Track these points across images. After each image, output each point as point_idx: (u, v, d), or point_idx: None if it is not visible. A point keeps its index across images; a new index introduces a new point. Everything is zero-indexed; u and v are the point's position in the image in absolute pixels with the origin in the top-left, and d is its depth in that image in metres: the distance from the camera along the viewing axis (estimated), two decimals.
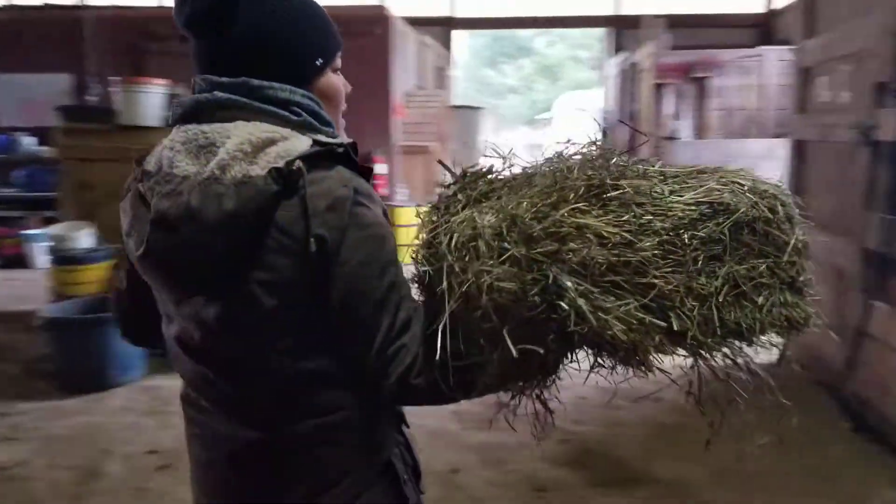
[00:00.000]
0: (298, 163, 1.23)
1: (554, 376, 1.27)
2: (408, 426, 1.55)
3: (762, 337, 1.28)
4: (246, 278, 1.25)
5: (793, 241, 1.30)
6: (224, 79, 1.32)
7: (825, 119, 5.22)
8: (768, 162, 8.23)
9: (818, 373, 5.17)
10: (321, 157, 1.27)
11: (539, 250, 1.16)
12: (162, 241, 1.26)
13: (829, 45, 5.19)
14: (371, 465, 1.42)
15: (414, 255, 1.33)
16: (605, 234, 1.18)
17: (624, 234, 1.19)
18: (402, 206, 9.53)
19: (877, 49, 4.41)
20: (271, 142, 1.26)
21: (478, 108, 14.96)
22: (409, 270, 1.36)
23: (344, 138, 1.37)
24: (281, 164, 1.22)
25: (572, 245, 1.16)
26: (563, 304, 1.13)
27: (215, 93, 1.31)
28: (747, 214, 1.27)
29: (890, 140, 4.32)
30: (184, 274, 1.29)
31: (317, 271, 1.25)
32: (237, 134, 1.26)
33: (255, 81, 1.31)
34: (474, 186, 1.37)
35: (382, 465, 1.43)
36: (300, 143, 1.27)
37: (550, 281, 1.14)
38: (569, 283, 1.14)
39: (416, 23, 12.18)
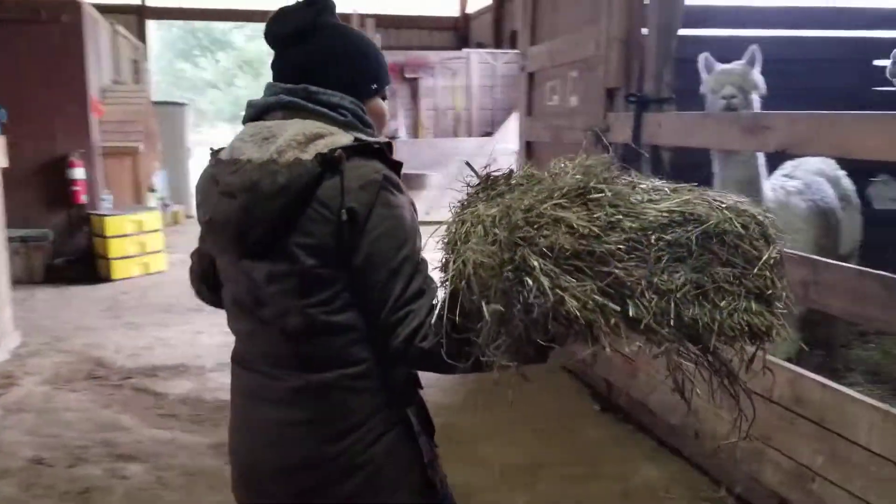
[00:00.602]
0: (340, 151, 1.53)
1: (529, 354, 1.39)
2: (421, 387, 1.76)
3: (721, 340, 1.39)
4: (289, 241, 1.54)
5: (765, 257, 1.44)
6: (288, 84, 1.65)
7: (556, 122, 5.52)
8: (481, 159, 8.58)
9: (566, 359, 5.48)
10: (360, 150, 1.57)
11: (518, 235, 1.36)
12: (224, 207, 1.57)
13: (557, 51, 5.50)
14: (389, 415, 1.64)
15: (438, 243, 1.52)
16: (574, 225, 1.36)
17: (593, 227, 1.37)
18: (108, 216, 8.53)
19: (606, 56, 4.73)
20: (319, 136, 1.56)
21: (181, 104, 13.98)
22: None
23: (381, 139, 1.64)
24: (325, 151, 1.52)
25: (545, 232, 1.36)
26: (528, 279, 1.32)
27: (280, 96, 1.64)
28: (717, 226, 1.41)
29: (621, 142, 4.66)
30: (235, 233, 1.57)
31: (347, 238, 1.53)
32: (293, 128, 1.57)
33: (313, 87, 1.63)
34: (494, 187, 1.59)
35: (399, 416, 1.66)
36: (344, 138, 1.58)
37: (518, 258, 1.34)
38: (535, 263, 1.33)
39: (105, 10, 11.02)
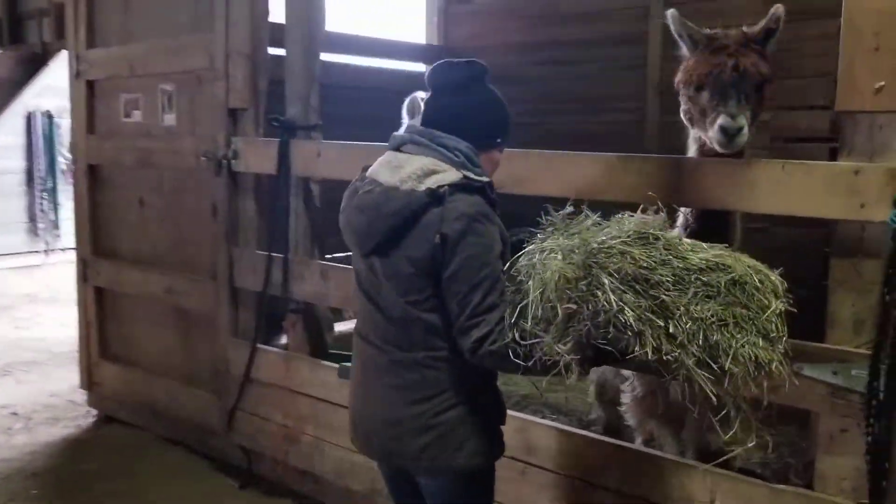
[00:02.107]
0: (445, 188, 2.05)
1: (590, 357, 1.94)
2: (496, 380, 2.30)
3: (733, 362, 1.84)
4: (399, 252, 2.10)
5: (773, 307, 1.92)
6: (420, 127, 2.20)
7: (143, 143, 4.55)
8: None
9: (179, 434, 4.57)
10: (464, 187, 2.08)
11: (592, 259, 1.87)
12: (355, 218, 2.17)
13: (138, 59, 4.52)
14: (461, 392, 2.14)
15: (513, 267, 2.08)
16: (636, 257, 1.86)
17: (650, 261, 1.87)
18: None
19: (226, 71, 4.02)
20: (434, 172, 2.09)
21: None
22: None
23: (483, 178, 2.14)
24: (434, 185, 2.05)
25: (614, 260, 1.85)
26: (598, 291, 1.82)
27: (413, 135, 2.19)
28: (741, 277, 1.91)
29: (256, 171, 4.02)
30: (359, 239, 2.18)
31: (440, 256, 2.04)
32: (416, 163, 2.12)
33: (437, 132, 2.15)
34: (566, 227, 2.11)
35: (469, 395, 2.16)
36: (453, 175, 2.09)
37: (593, 275, 1.84)
38: (605, 280, 1.82)
39: None
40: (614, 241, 1.88)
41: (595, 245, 1.88)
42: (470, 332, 2.01)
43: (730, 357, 1.81)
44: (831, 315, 2.42)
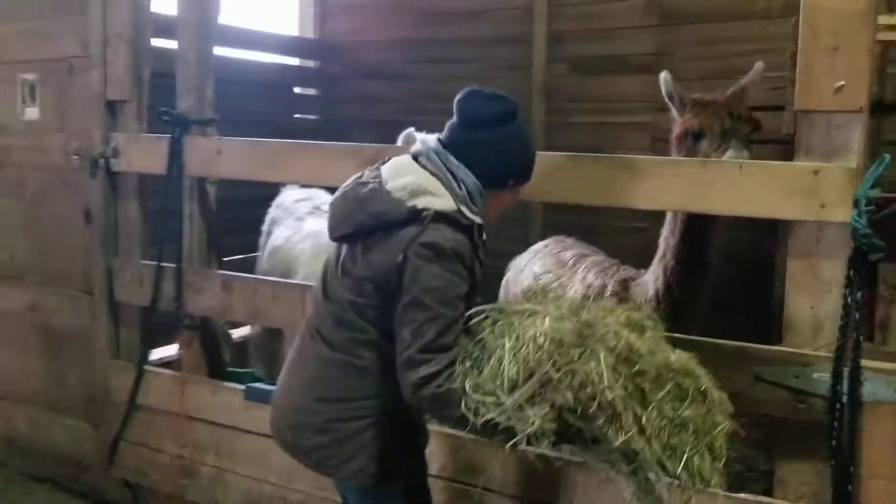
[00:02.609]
0: (432, 212, 2.02)
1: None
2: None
3: (683, 472, 1.84)
4: (363, 251, 2.09)
5: (723, 425, 1.94)
6: (438, 147, 2.14)
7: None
8: None
9: (46, 470, 4.02)
10: (453, 220, 2.04)
11: (588, 331, 1.90)
12: (339, 201, 2.18)
13: None
14: (374, 408, 2.15)
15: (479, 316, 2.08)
16: (630, 341, 1.91)
17: (640, 347, 1.92)
18: None
19: (104, 59, 3.57)
20: (427, 192, 2.05)
21: None
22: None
23: (476, 218, 2.10)
24: (421, 207, 2.03)
25: (609, 337, 1.89)
26: (592, 363, 1.83)
27: (429, 149, 2.13)
28: (706, 389, 1.96)
29: (140, 170, 3.59)
30: (335, 223, 2.18)
31: (397, 275, 2.01)
32: (415, 176, 2.09)
33: (453, 159, 2.10)
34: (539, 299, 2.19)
35: (383, 414, 2.16)
36: (445, 204, 2.05)
37: (589, 345, 1.87)
38: (602, 354, 1.84)
39: None
40: (610, 320, 1.93)
41: (589, 317, 1.92)
42: (417, 368, 1.95)
43: (681, 463, 1.83)
44: (788, 318, 2.38)
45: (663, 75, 3.07)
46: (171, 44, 3.64)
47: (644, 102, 5.98)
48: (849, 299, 2.24)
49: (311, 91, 7.11)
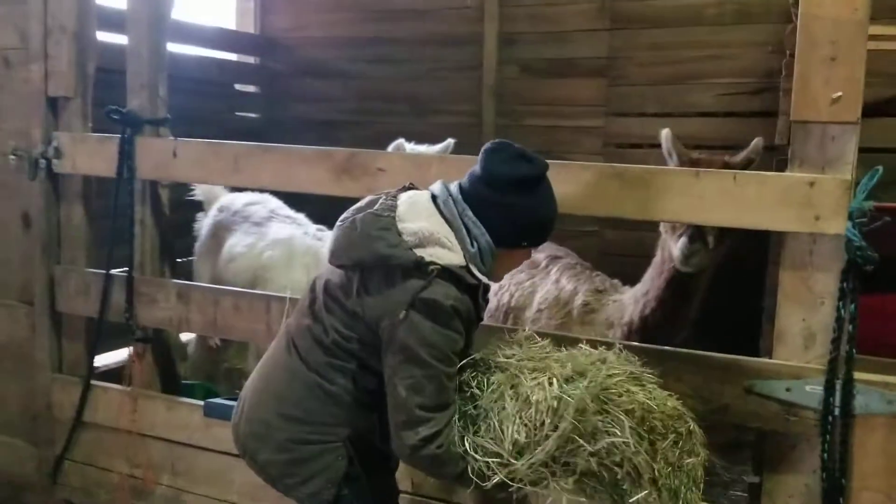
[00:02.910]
0: (438, 268, 1.93)
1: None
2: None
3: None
4: (361, 288, 2.01)
5: (701, 457, 2.02)
6: (458, 197, 2.05)
7: None
8: None
9: None
10: (458, 278, 1.96)
11: (604, 395, 1.93)
12: (349, 225, 2.05)
13: None
14: (338, 435, 2.09)
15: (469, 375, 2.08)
16: (640, 400, 1.95)
17: (649, 403, 1.95)
18: None
19: (45, 52, 3.32)
20: (439, 243, 1.97)
21: None
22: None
23: (483, 279, 2.03)
24: (427, 259, 1.93)
25: (624, 399, 1.93)
26: (616, 430, 1.87)
27: (448, 198, 2.05)
28: (693, 428, 2.04)
29: (86, 172, 3.35)
30: (337, 250, 2.07)
31: (393, 325, 1.93)
32: (430, 223, 2.00)
33: (470, 213, 2.02)
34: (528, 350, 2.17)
35: (343, 442, 2.10)
36: (454, 259, 1.97)
37: (611, 417, 1.89)
38: (624, 419, 1.88)
39: None
40: (617, 380, 1.96)
41: (599, 379, 1.93)
42: (417, 428, 1.92)
43: (680, 501, 1.93)
44: (780, 330, 2.35)
45: (665, 133, 3.02)
46: (117, 38, 3.42)
47: (595, 106, 5.99)
48: (842, 311, 2.24)
49: (251, 88, 6.87)
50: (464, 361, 2.06)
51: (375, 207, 2.05)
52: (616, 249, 5.61)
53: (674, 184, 2.41)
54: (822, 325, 2.30)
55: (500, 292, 3.62)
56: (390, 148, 3.33)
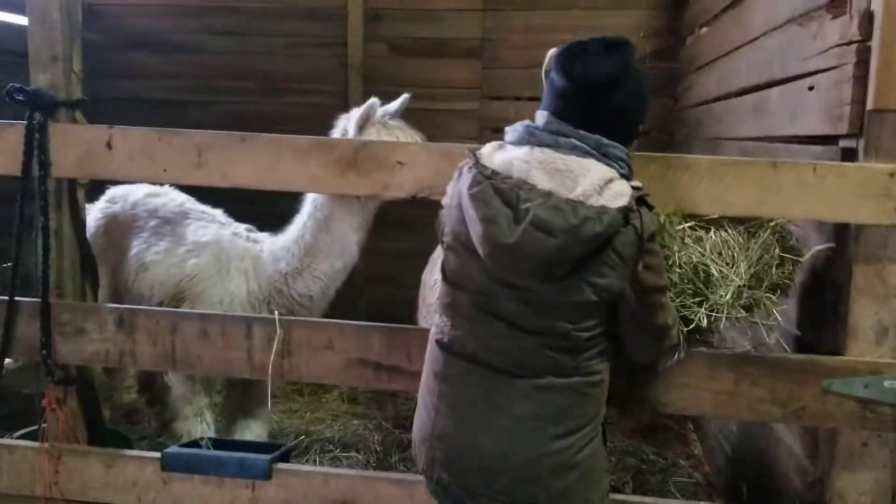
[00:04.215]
0: (631, 205, 1.75)
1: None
2: None
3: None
4: (580, 277, 1.77)
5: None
6: (581, 131, 1.82)
7: None
8: None
9: None
10: (642, 200, 1.82)
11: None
12: (539, 241, 1.72)
13: None
14: (598, 422, 1.93)
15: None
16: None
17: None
18: None
19: None
20: (611, 181, 1.78)
21: None
22: None
23: (639, 185, 1.86)
24: (624, 202, 1.74)
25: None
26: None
27: (571, 139, 1.82)
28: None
29: None
30: (544, 266, 1.75)
31: (631, 280, 1.80)
32: (594, 172, 1.78)
33: (605, 140, 1.82)
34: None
35: (600, 425, 1.95)
36: (624, 186, 1.78)
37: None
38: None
39: None
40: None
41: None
42: (669, 333, 2.01)
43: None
44: (853, 325, 2.30)
45: (550, 52, 2.76)
46: None
47: (470, 89, 5.81)
48: None
49: None
50: None
51: (529, 204, 1.76)
52: None
53: (749, 175, 2.26)
54: (893, 318, 2.28)
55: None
56: (358, 113, 2.94)
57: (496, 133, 5.92)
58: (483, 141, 5.73)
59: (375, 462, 4.02)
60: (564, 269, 1.76)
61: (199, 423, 3.19)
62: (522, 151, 1.84)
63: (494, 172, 1.81)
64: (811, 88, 2.57)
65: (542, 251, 1.73)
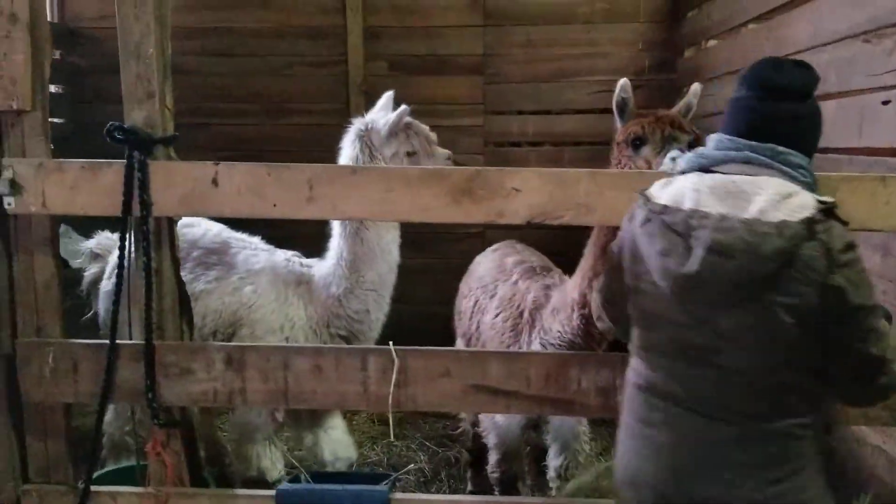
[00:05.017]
0: (820, 215, 1.69)
1: None
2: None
3: None
4: (770, 299, 1.69)
5: None
6: (753, 142, 1.83)
7: None
8: None
9: None
10: (828, 211, 1.73)
11: None
12: (719, 265, 1.70)
13: None
14: (818, 463, 1.80)
15: None
16: None
17: None
18: None
19: None
20: (790, 195, 1.73)
21: None
22: None
23: (830, 198, 1.79)
24: (807, 214, 1.68)
25: None
26: None
27: (746, 152, 1.83)
28: None
29: (50, 214, 2.49)
30: (728, 290, 1.72)
31: (832, 298, 1.68)
32: (769, 187, 1.75)
33: (780, 148, 1.81)
34: None
35: (822, 464, 1.81)
36: (807, 198, 1.73)
37: None
38: None
39: None
40: None
41: None
42: (889, 366, 1.78)
43: None
44: None
45: (622, 82, 2.81)
46: None
47: (473, 105, 5.85)
48: None
49: (51, 88, 5.66)
50: None
51: (702, 229, 1.75)
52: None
53: (857, 189, 2.36)
54: None
55: (469, 295, 3.56)
56: (393, 116, 3.15)
57: (500, 148, 6.01)
58: (488, 156, 5.85)
59: (425, 481, 4.03)
60: (750, 291, 1.70)
61: (267, 445, 3.18)
62: (691, 181, 1.85)
63: (665, 207, 1.82)
64: (886, 103, 2.70)
65: (724, 275, 1.70)
